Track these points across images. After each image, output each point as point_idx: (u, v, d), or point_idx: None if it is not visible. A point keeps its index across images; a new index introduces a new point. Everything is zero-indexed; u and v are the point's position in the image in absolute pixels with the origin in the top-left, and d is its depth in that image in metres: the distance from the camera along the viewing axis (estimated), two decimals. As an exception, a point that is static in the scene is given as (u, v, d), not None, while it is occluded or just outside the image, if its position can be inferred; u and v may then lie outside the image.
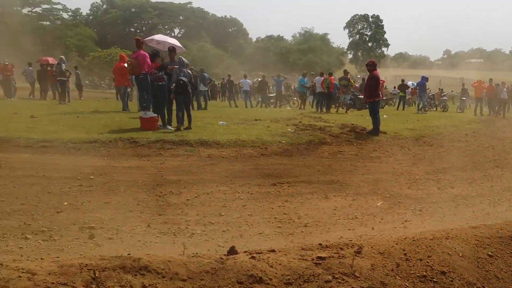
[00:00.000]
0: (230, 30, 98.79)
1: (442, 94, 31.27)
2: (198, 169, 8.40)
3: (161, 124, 12.24)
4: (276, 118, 15.53)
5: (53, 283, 2.29)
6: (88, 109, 17.16)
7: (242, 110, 21.98)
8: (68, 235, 5.01)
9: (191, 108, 12.91)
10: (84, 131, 10.93)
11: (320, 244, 3.22)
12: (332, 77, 23.45)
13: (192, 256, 2.86)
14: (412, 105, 30.33)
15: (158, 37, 18.09)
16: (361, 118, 16.52)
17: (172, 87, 12.09)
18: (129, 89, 18.62)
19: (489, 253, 3.30)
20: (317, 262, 2.90)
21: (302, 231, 5.43)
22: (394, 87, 33.63)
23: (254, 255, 2.90)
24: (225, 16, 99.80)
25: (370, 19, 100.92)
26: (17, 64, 25.29)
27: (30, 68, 25.39)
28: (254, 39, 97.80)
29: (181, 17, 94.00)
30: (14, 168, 7.78)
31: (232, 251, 3.04)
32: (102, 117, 14.40)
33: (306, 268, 2.81)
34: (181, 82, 11.86)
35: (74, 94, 24.57)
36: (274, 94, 27.14)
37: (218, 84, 34.56)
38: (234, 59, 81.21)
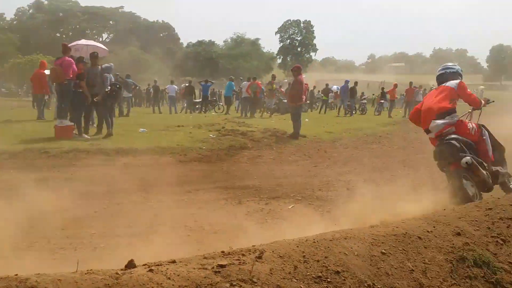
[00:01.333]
0: (161, 35, 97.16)
1: (362, 98, 32.42)
2: (111, 179, 8.08)
3: (77, 133, 11.84)
4: (199, 124, 15.51)
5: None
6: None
7: (166, 117, 21.74)
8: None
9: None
10: (-10, 143, 10.31)
11: (223, 252, 3.18)
12: (259, 82, 23.76)
13: (86, 273, 2.72)
14: (334, 109, 31.28)
15: (81, 42, 17.56)
16: (284, 122, 16.80)
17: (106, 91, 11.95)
18: (46, 97, 17.86)
19: (383, 250, 3.40)
20: (217, 270, 2.86)
21: (211, 239, 5.40)
22: (318, 91, 34.52)
23: (152, 267, 2.80)
24: (157, 20, 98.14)
25: (302, 24, 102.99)
26: None
27: None
28: (185, 44, 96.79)
29: (111, 22, 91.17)
30: None
31: (130, 264, 2.93)
32: (14, 127, 13.68)
33: (205, 278, 2.76)
34: (117, 86, 11.85)
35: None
36: (200, 100, 27.06)
37: (144, 90, 34.03)
38: (164, 64, 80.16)
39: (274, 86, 25.11)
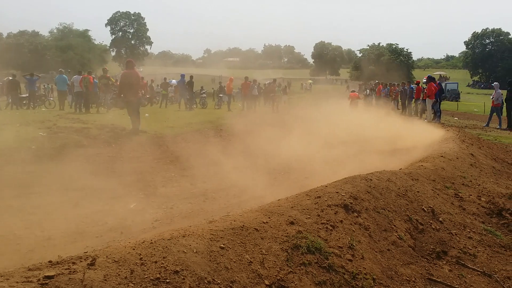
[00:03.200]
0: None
1: (201, 92, 32.78)
2: None
3: None
4: (27, 121, 14.30)
5: None
6: None
7: (-14, 114, 19.67)
8: None
9: None
10: None
11: (50, 261, 2.94)
12: (91, 76, 22.63)
13: None
14: (175, 103, 31.15)
15: None
16: (123, 118, 16.23)
17: None
18: None
19: (222, 245, 3.45)
20: (44, 282, 2.63)
21: (44, 246, 5.00)
22: (158, 85, 34.06)
23: None
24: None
25: (132, 17, 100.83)
26: None
27: None
28: (5, 35, 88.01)
29: None
30: None
31: None
32: None
33: (29, 292, 2.53)
34: None
35: None
36: (27, 95, 24.87)
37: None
38: (-19, 56, 72.01)
39: (113, 79, 24.16)
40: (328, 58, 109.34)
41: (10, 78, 25.78)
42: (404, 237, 4.69)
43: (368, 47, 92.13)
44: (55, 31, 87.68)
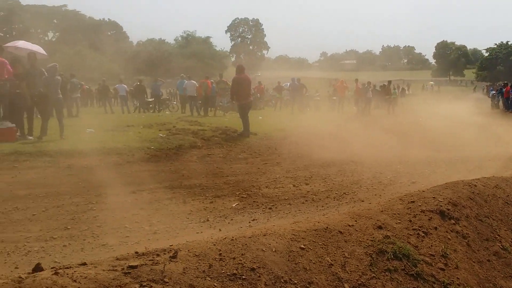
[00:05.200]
0: (109, 33, 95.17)
1: (315, 95, 32.77)
2: (54, 181, 7.90)
3: (20, 135, 11.52)
4: (150, 123, 15.34)
5: None
6: None
7: (117, 116, 21.41)
8: None
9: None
10: None
11: (137, 252, 3.17)
12: (209, 81, 23.71)
13: (-13, 279, 2.67)
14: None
15: (20, 43, 16.91)
16: (238, 120, 16.77)
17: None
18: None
19: (302, 246, 3.46)
20: (127, 271, 2.85)
21: (149, 239, 5.37)
22: (272, 90, 34.66)
23: (58, 270, 2.77)
24: (103, 19, 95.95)
25: (251, 23, 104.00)
26: None
27: None
28: (135, 43, 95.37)
29: (55, 21, 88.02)
30: None
31: (38, 268, 2.89)
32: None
33: (113, 279, 2.75)
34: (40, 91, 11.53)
35: None
36: (153, 99, 26.74)
37: (96, 89, 33.28)
38: (115, 63, 78.60)
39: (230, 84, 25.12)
40: (451, 58, 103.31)
41: (138, 83, 27.88)
42: (509, 248, 4.34)
43: (495, 46, 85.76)
44: (179, 38, 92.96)
